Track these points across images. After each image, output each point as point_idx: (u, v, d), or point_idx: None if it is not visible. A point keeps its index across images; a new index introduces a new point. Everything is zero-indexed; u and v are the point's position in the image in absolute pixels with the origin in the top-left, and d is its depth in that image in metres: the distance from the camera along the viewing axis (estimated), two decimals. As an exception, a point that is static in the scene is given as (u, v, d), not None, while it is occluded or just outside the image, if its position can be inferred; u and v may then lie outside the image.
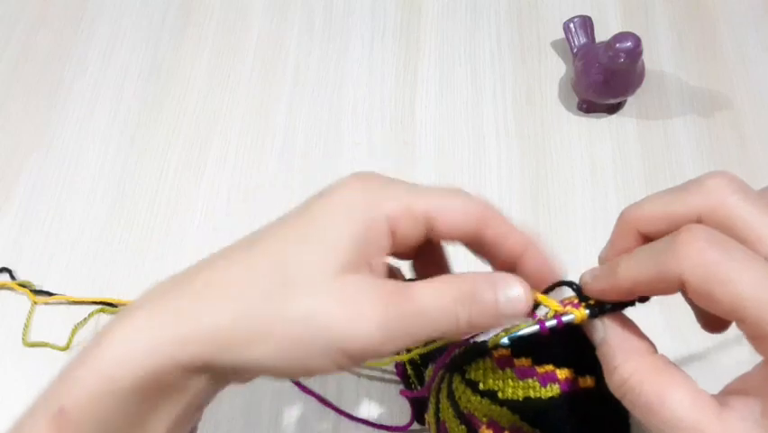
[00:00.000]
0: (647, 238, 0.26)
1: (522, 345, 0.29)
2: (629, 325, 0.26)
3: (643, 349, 0.25)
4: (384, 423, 0.46)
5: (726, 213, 0.23)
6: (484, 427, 0.30)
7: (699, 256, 0.21)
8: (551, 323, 0.26)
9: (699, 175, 0.25)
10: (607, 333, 0.25)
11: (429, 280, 0.25)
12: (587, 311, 0.26)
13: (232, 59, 0.64)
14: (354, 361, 0.24)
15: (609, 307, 0.26)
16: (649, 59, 0.59)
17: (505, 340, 0.27)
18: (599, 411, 0.27)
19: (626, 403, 0.24)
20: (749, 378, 0.22)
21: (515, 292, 0.25)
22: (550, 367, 0.29)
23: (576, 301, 0.26)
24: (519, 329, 0.27)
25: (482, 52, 0.63)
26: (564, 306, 0.26)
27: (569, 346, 0.28)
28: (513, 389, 0.29)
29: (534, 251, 0.28)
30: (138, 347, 0.24)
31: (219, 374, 0.25)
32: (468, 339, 0.32)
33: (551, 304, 0.27)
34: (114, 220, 0.55)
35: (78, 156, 0.58)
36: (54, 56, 0.64)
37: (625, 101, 0.60)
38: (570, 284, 0.27)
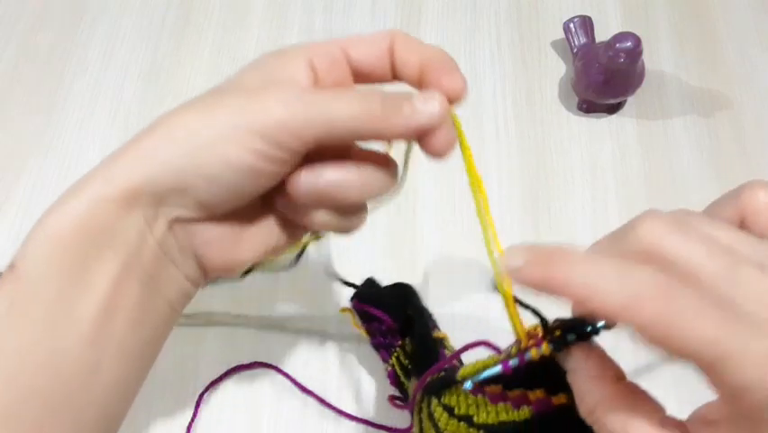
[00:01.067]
0: None
1: (493, 378, 0.29)
2: (595, 352, 0.25)
3: (608, 378, 0.24)
4: (384, 424, 0.46)
5: (661, 257, 0.22)
6: None
7: (648, 300, 0.20)
8: (513, 362, 0.27)
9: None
10: (572, 362, 0.25)
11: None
12: (551, 346, 0.26)
13: (232, 59, 0.64)
14: (269, 142, 0.26)
15: (573, 338, 0.25)
16: (649, 59, 0.59)
17: (468, 385, 0.28)
18: (575, 426, 0.27)
19: (596, 429, 0.24)
20: (715, 407, 0.22)
21: (433, 104, 0.28)
22: (520, 391, 0.29)
23: (540, 333, 0.27)
24: (483, 370, 0.28)
25: (482, 52, 0.63)
26: (529, 339, 0.27)
27: (537, 369, 0.27)
28: (486, 413, 0.30)
29: (439, 62, 0.29)
30: (78, 196, 0.28)
31: (152, 203, 0.27)
32: (440, 366, 0.33)
33: (520, 332, 0.27)
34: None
35: (78, 156, 0.58)
36: (54, 56, 0.64)
37: (625, 101, 0.60)
38: (541, 319, 0.27)
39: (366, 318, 0.45)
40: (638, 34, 0.53)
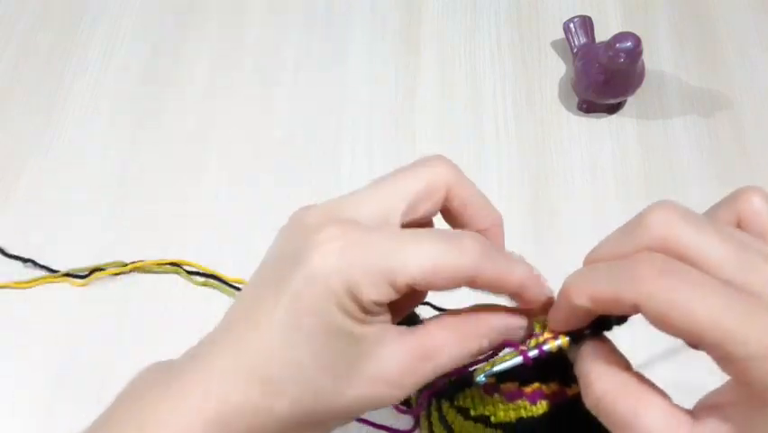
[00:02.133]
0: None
1: (505, 373, 0.29)
2: (602, 342, 0.26)
3: (615, 367, 0.25)
4: (387, 424, 0.46)
5: (674, 246, 0.23)
6: None
7: (654, 283, 0.21)
8: (533, 353, 0.27)
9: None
10: (579, 352, 0.26)
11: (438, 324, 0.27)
12: (568, 338, 0.26)
13: (231, 59, 0.64)
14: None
15: (589, 332, 0.26)
16: (649, 59, 0.59)
17: (481, 378, 0.28)
18: (591, 415, 0.27)
19: (603, 421, 0.24)
20: (722, 393, 0.23)
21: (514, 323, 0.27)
22: (536, 385, 0.29)
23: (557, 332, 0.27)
24: (502, 362, 0.28)
25: (482, 52, 0.63)
26: (544, 332, 0.27)
27: (551, 361, 0.28)
28: (504, 412, 0.30)
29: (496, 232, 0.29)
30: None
31: None
32: (452, 372, 0.33)
33: (538, 325, 0.28)
34: (115, 220, 0.55)
35: (78, 156, 0.58)
36: (54, 56, 0.64)
37: (625, 101, 0.60)
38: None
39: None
40: (638, 34, 0.53)
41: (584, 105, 0.59)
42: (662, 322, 0.21)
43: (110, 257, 0.53)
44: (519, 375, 0.29)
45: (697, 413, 0.23)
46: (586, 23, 0.61)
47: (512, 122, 0.59)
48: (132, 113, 0.61)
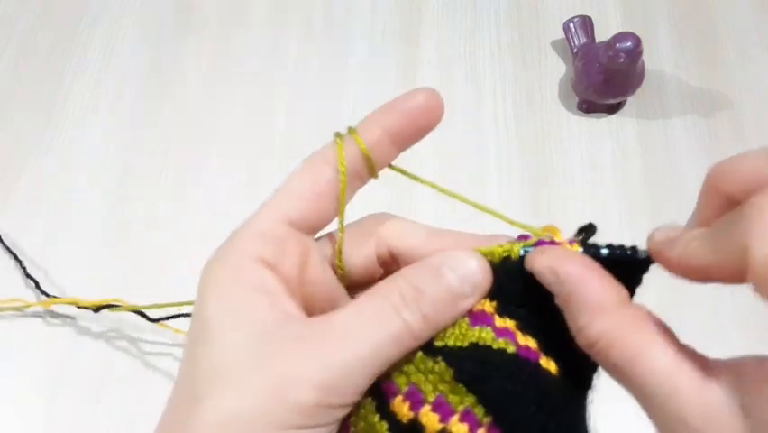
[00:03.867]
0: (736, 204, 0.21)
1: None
2: (594, 270, 0.22)
3: (612, 302, 0.21)
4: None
5: None
6: (400, 397, 0.23)
7: None
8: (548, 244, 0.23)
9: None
10: (569, 285, 0.21)
11: (355, 299, 0.23)
12: (582, 248, 0.23)
13: (232, 59, 0.64)
14: (315, 417, 0.21)
15: (607, 253, 0.23)
16: (649, 59, 0.59)
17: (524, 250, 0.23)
18: (557, 401, 0.22)
19: (597, 361, 0.21)
20: (744, 359, 0.20)
21: (467, 267, 0.23)
22: (511, 324, 0.23)
23: (573, 240, 0.24)
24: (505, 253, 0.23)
25: (482, 52, 0.63)
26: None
27: (541, 313, 0.23)
28: (455, 336, 0.23)
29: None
30: None
31: None
32: None
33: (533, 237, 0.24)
34: (114, 220, 0.55)
35: (78, 156, 0.58)
36: (54, 56, 0.64)
37: (625, 101, 0.60)
38: (584, 229, 0.25)
39: None
40: (638, 34, 0.53)
41: (584, 105, 0.59)
42: None
43: (109, 257, 0.53)
44: (500, 298, 0.24)
45: (711, 362, 0.20)
46: (586, 23, 0.61)
47: (512, 122, 0.59)
48: (132, 113, 0.61)
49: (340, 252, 0.26)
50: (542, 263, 0.23)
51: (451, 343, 0.23)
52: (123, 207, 0.56)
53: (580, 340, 0.21)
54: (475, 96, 0.61)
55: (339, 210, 0.25)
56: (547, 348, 0.23)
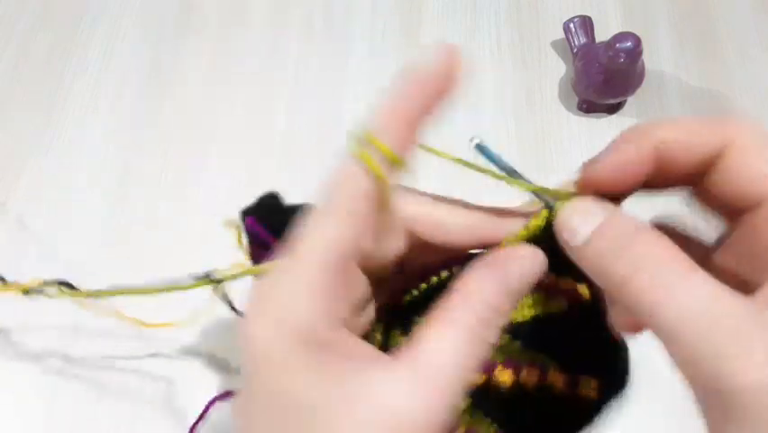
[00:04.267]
0: (660, 168, 0.22)
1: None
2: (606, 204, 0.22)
3: (629, 236, 0.21)
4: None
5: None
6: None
7: (755, 127, 0.20)
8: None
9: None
10: (573, 219, 0.22)
11: (432, 328, 0.21)
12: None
13: (232, 59, 0.64)
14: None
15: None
16: (649, 59, 0.59)
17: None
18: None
19: (626, 302, 0.20)
20: None
21: (530, 270, 0.22)
22: (552, 276, 0.25)
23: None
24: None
25: (482, 52, 0.63)
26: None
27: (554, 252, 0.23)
28: (517, 309, 0.25)
29: None
30: None
31: None
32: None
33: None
34: (114, 220, 0.55)
35: (78, 156, 0.58)
36: (54, 56, 0.64)
37: (625, 101, 0.60)
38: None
39: (257, 243, 0.36)
40: (638, 34, 0.53)
41: (584, 105, 0.59)
42: (742, 168, 0.20)
43: (109, 257, 0.53)
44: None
45: (758, 297, 0.19)
46: (586, 23, 0.61)
47: (512, 122, 0.59)
48: (132, 113, 0.61)
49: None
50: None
51: (512, 318, 0.24)
52: (123, 207, 0.56)
53: (605, 284, 0.21)
54: (475, 96, 0.61)
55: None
56: (579, 277, 0.24)
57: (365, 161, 0.22)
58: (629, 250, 0.20)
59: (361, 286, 0.24)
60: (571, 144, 0.58)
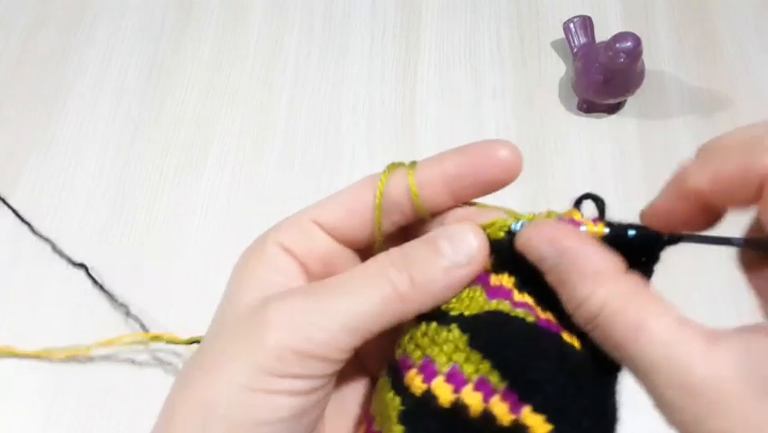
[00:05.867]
0: (706, 209, 0.22)
1: (503, 259, 0.23)
2: (592, 241, 0.22)
3: (613, 270, 0.21)
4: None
5: None
6: (414, 370, 0.22)
7: None
8: (584, 228, 0.23)
9: None
10: (569, 255, 0.21)
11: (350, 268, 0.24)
12: (606, 229, 0.23)
13: (232, 59, 0.64)
14: (294, 365, 0.22)
15: (634, 234, 0.22)
16: (649, 59, 0.59)
17: (517, 226, 0.23)
18: (580, 369, 0.21)
19: (596, 337, 0.20)
20: (755, 326, 0.19)
21: (462, 238, 0.23)
22: (530, 300, 0.23)
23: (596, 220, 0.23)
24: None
25: (482, 52, 0.63)
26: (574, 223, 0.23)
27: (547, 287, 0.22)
28: (473, 307, 0.23)
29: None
30: None
31: None
32: None
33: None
34: (114, 220, 0.55)
35: (78, 156, 0.58)
36: (54, 56, 0.64)
37: (625, 101, 0.60)
38: (593, 198, 0.24)
39: None
40: (638, 34, 0.53)
41: (584, 106, 0.59)
42: None
43: (109, 256, 0.53)
44: (517, 273, 0.23)
45: (713, 332, 0.19)
46: (586, 23, 0.61)
47: (512, 122, 0.59)
48: (132, 113, 0.61)
49: (379, 237, 0.26)
50: (540, 236, 0.23)
51: (467, 312, 0.23)
52: (122, 207, 0.56)
53: (582, 314, 0.21)
54: (475, 96, 0.61)
55: (373, 233, 0.25)
56: (570, 328, 0.22)
57: (383, 175, 0.26)
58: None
59: (327, 248, 0.26)
60: (571, 144, 0.58)
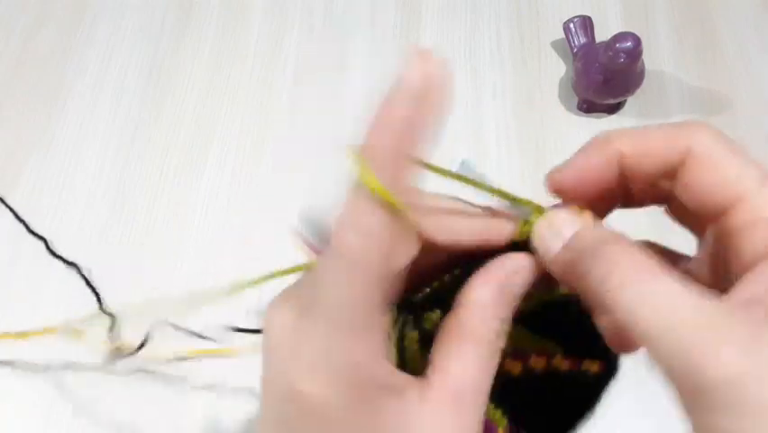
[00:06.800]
0: (620, 181, 0.23)
1: None
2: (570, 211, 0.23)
3: (606, 240, 0.20)
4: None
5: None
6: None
7: (710, 133, 0.21)
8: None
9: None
10: (546, 221, 0.23)
11: (455, 352, 0.21)
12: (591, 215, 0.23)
13: (232, 59, 0.64)
14: None
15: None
16: (649, 59, 0.59)
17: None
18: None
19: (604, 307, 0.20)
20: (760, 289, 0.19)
21: (525, 277, 0.23)
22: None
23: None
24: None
25: (482, 52, 0.63)
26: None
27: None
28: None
29: None
30: None
31: None
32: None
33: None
34: (114, 220, 0.55)
35: (78, 156, 0.58)
36: (54, 56, 0.64)
37: (625, 101, 0.60)
38: None
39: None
40: (638, 34, 0.53)
41: (584, 106, 0.59)
42: (706, 173, 0.20)
43: (109, 257, 0.53)
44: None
45: (728, 301, 0.19)
46: (586, 23, 0.61)
47: (512, 122, 0.59)
48: (132, 113, 0.61)
49: None
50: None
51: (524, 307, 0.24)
52: (122, 207, 0.56)
53: (583, 287, 0.20)
54: (475, 96, 0.61)
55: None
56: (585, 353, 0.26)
57: (372, 189, 0.20)
58: (599, 258, 0.20)
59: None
60: (571, 144, 0.58)
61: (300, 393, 0.19)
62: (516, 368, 0.25)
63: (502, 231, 0.24)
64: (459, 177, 0.25)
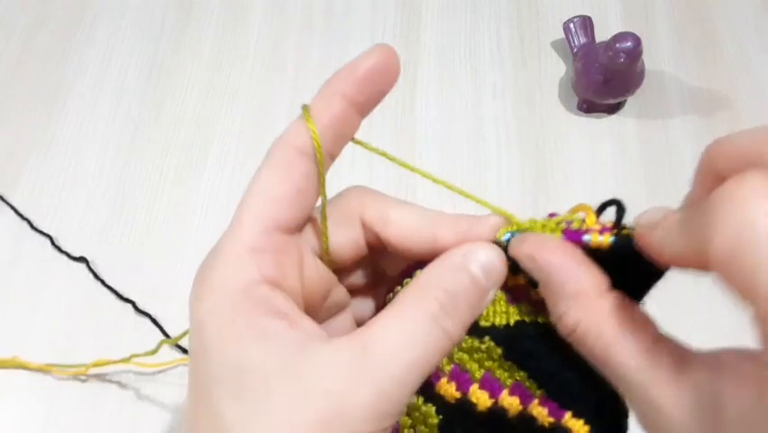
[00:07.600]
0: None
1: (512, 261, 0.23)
2: (574, 257, 0.22)
3: (590, 290, 0.21)
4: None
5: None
6: (445, 379, 0.23)
7: (737, 215, 0.16)
8: (586, 237, 0.22)
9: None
10: (547, 272, 0.21)
11: (385, 313, 0.21)
12: (612, 240, 0.22)
13: (232, 59, 0.64)
14: None
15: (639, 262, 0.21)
16: (649, 59, 0.59)
17: (506, 236, 0.23)
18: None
19: (578, 348, 0.21)
20: (723, 351, 0.19)
21: (491, 262, 0.23)
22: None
23: (606, 227, 0.23)
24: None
25: (482, 52, 0.63)
26: (587, 229, 0.23)
27: None
28: (500, 315, 0.23)
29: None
30: None
31: None
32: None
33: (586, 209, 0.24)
34: (114, 220, 0.55)
35: (78, 156, 0.58)
36: (54, 56, 0.64)
37: (625, 101, 0.60)
38: (616, 204, 0.24)
39: None
40: (638, 34, 0.53)
41: (584, 106, 0.59)
42: (726, 271, 0.17)
43: (109, 256, 0.53)
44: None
45: (688, 356, 0.19)
46: (586, 23, 0.61)
47: (512, 122, 0.59)
48: (132, 113, 0.61)
49: (326, 240, 0.25)
50: (521, 251, 0.23)
51: (497, 322, 0.23)
52: (123, 206, 0.56)
53: (560, 328, 0.21)
54: (475, 96, 0.61)
55: (318, 198, 0.24)
56: None
57: (314, 137, 0.24)
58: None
59: (319, 268, 0.24)
60: (571, 144, 0.58)
61: (194, 306, 0.21)
62: (483, 401, 0.23)
63: (461, 236, 0.24)
64: (385, 154, 0.27)
